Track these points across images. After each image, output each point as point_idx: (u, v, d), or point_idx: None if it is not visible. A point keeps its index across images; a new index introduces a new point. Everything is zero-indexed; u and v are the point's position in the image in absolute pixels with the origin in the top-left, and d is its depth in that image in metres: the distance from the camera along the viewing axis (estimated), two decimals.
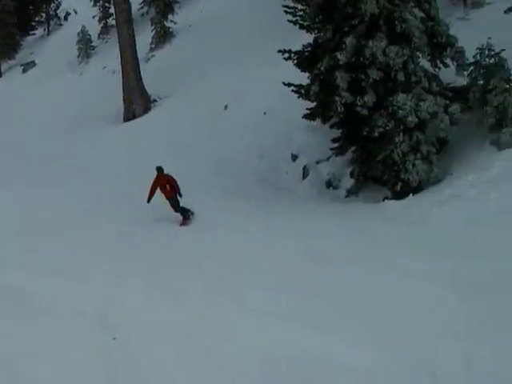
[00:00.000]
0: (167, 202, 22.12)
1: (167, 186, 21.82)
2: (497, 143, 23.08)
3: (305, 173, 27.01)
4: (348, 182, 25.47)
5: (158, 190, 22.06)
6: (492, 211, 20.08)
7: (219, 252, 18.38)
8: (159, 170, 22.08)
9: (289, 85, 25.79)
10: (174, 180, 22.00)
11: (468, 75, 24.50)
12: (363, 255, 17.38)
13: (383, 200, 23.45)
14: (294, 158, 27.82)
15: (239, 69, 34.53)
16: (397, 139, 23.03)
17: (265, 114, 30.66)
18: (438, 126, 23.26)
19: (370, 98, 23.15)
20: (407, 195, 22.89)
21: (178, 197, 22.07)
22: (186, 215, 22.21)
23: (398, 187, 23.28)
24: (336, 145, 25.60)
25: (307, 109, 25.66)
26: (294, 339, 12.43)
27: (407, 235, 18.90)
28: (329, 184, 26.17)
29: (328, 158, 26.42)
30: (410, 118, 22.79)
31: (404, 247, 17.86)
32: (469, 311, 13.57)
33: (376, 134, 23.15)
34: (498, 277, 15.04)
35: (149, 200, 21.79)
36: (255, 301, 14.13)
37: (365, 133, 23.51)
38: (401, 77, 23.26)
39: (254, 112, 30.75)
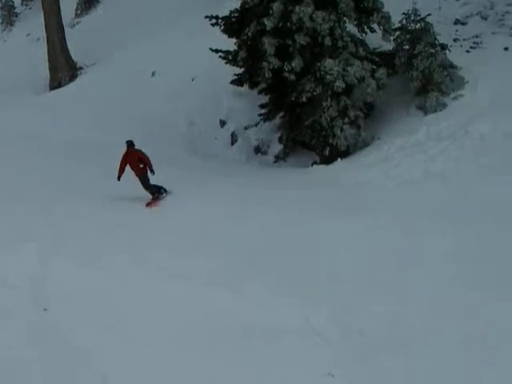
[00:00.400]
0: (137, 179, 19.90)
1: (138, 162, 19.69)
2: (423, 107, 23.35)
3: (233, 139, 26.91)
4: (276, 148, 25.48)
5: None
6: (418, 174, 20.38)
7: (150, 220, 18.13)
8: (130, 144, 19.85)
9: (216, 51, 25.53)
10: (146, 156, 19.77)
11: (394, 40, 24.68)
12: (292, 219, 17.36)
13: (312, 165, 23.56)
14: (223, 124, 27.66)
15: (166, 35, 34.10)
16: (324, 104, 23.09)
17: (193, 80, 30.37)
18: (365, 91, 23.40)
19: (297, 64, 23.13)
20: (335, 160, 23.01)
21: (150, 174, 19.84)
22: (155, 195, 19.96)
23: (327, 152, 23.40)
24: (264, 110, 25.52)
25: (235, 75, 25.48)
26: (212, 302, 12.37)
27: (333, 198, 18.98)
28: (257, 150, 26.13)
29: (256, 124, 26.34)
30: (337, 83, 22.85)
31: (330, 209, 17.92)
32: (382, 266, 13.82)
33: (304, 99, 23.18)
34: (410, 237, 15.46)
35: (119, 177, 19.56)
36: (176, 266, 14.01)
37: (292, 98, 23.53)
38: (328, 42, 23.28)
39: (181, 79, 30.42)
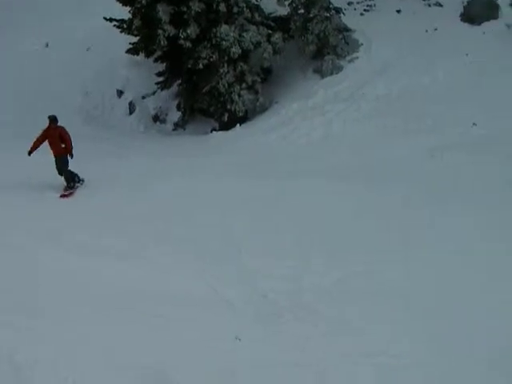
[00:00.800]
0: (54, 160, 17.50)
1: (59, 141, 17.33)
2: (319, 71, 23.53)
3: (131, 108, 26.54)
4: (175, 116, 25.26)
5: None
6: (317, 137, 20.53)
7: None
8: (52, 119, 17.48)
9: (110, 20, 24.99)
10: (68, 135, 17.42)
11: (289, 4, 24.74)
12: (192, 187, 17.15)
13: (211, 131, 23.46)
14: (120, 93, 27.22)
15: (58, 4, 33.16)
16: (221, 70, 23.00)
17: (87, 50, 29.73)
18: (262, 56, 23.40)
19: (192, 31, 22.90)
20: (234, 125, 22.98)
21: (69, 157, 17.46)
22: (70, 184, 17.46)
23: (225, 118, 23.37)
24: (161, 79, 25.22)
25: (130, 43, 25.03)
26: (124, 273, 12.18)
27: (232, 163, 18.92)
28: (156, 118, 25.85)
29: (154, 93, 26.03)
30: (233, 49, 22.77)
31: (226, 174, 17.83)
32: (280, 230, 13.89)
33: (201, 66, 23.03)
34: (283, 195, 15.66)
35: (31, 152, 17.21)
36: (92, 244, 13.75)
37: (189, 65, 23.34)
38: (223, 8, 23.11)
39: (76, 49, 29.76)
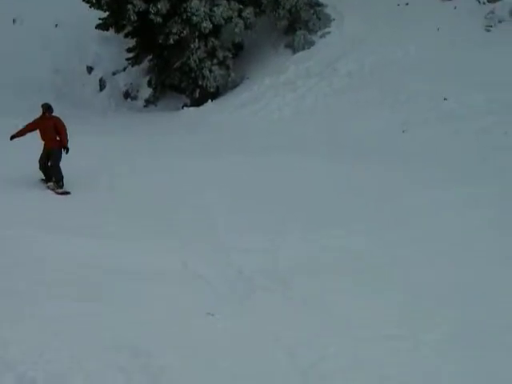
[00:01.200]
0: (46, 154, 15.48)
1: (54, 132, 15.45)
2: (291, 46, 23.44)
3: (101, 85, 26.28)
4: (146, 92, 25.09)
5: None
6: (289, 112, 20.52)
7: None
8: (47, 108, 15.59)
9: None
10: (65, 127, 15.54)
11: None
12: (164, 164, 17.01)
13: (182, 107, 23.30)
14: (90, 70, 26.95)
15: None
16: (192, 46, 22.87)
17: (56, 26, 29.34)
18: (233, 31, 23.24)
19: (163, 5, 22.69)
20: (206, 101, 22.87)
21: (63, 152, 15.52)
22: (60, 183, 15.36)
23: (197, 94, 23.29)
24: (131, 54, 24.99)
25: (100, 19, 24.73)
26: (96, 250, 12.09)
27: (203, 139, 18.84)
28: (126, 95, 25.65)
29: (124, 69, 25.82)
30: (204, 24, 22.60)
31: (199, 151, 17.75)
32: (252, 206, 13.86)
33: (171, 42, 22.85)
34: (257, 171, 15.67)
35: (14, 137, 15.57)
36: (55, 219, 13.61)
37: (160, 41, 23.15)
38: None
39: (45, 25, 29.29)
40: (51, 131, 15.39)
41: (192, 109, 22.75)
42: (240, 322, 9.45)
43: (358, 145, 17.24)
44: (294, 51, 23.26)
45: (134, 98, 25.42)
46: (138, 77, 25.42)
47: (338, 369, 8.15)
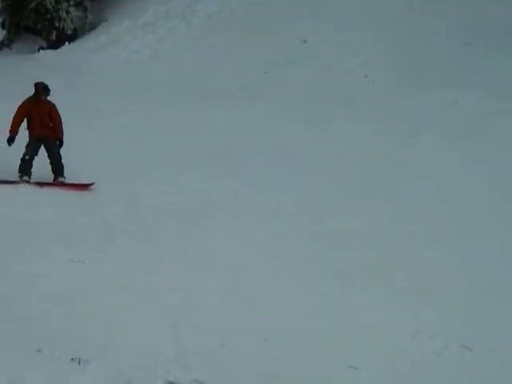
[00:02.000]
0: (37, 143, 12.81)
1: (49, 119, 12.85)
2: None
3: None
4: None
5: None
6: (148, 55, 20.50)
7: None
8: (43, 89, 12.87)
9: None
10: (60, 117, 12.92)
11: None
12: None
13: (38, 50, 22.66)
14: None
15: None
16: None
17: None
18: None
19: None
20: (63, 44, 22.36)
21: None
22: (65, 177, 12.88)
23: (53, 36, 22.62)
24: None
25: None
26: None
27: (65, 82, 18.52)
28: None
29: None
30: None
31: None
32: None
33: None
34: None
35: (12, 131, 12.70)
36: None
37: None
38: None
39: None
40: (46, 118, 12.77)
41: (49, 51, 22.17)
42: (104, 268, 9.66)
43: (219, 86, 17.83)
44: None
45: None
46: None
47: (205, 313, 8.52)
